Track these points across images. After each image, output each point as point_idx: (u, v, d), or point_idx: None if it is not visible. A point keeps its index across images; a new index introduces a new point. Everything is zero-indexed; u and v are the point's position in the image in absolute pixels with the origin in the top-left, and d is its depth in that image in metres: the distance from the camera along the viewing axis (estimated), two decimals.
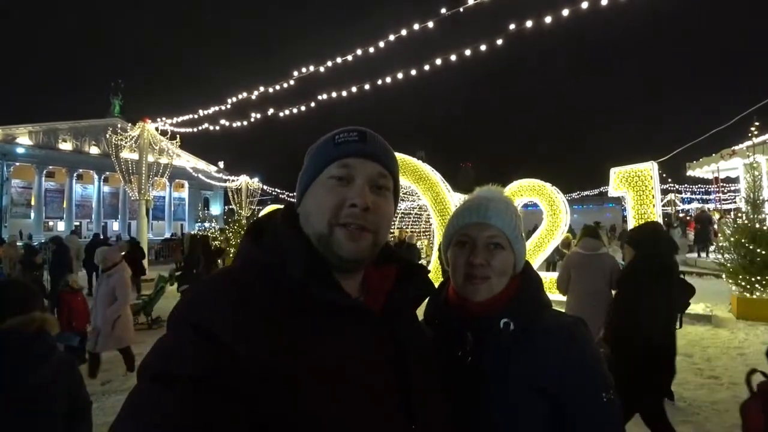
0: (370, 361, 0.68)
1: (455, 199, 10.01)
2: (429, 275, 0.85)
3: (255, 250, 0.72)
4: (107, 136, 15.17)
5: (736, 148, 12.36)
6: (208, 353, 0.57)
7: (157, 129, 13.61)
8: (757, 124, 9.46)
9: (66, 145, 38.60)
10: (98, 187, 40.72)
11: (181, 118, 13.18)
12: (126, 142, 14.01)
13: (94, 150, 40.09)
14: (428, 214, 15.37)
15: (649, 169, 7.37)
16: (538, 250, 8.66)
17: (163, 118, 13.50)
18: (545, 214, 8.88)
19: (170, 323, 0.64)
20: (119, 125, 23.04)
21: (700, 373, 4.85)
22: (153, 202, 16.47)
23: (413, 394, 0.70)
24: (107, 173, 39.67)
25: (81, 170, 39.61)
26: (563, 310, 1.09)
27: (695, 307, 7.67)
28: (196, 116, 12.67)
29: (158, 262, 20.81)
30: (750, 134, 9.61)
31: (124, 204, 41.80)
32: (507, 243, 0.96)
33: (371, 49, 8.97)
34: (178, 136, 13.90)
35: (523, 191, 9.02)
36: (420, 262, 4.01)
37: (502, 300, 0.94)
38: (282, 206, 0.81)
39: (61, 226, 36.95)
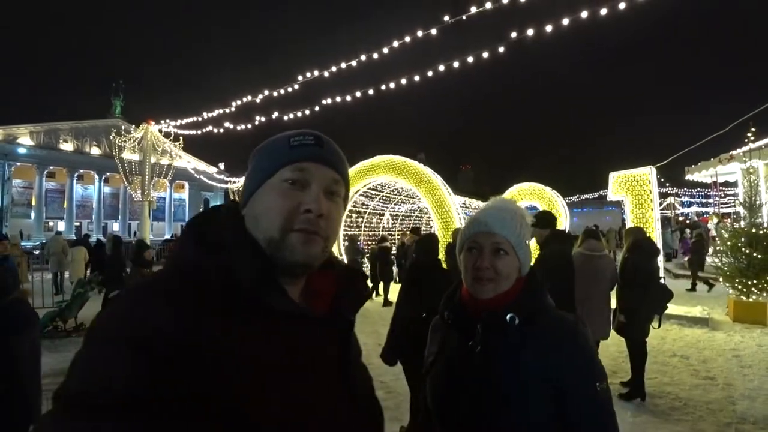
0: (317, 366, 0.68)
1: (456, 202, 10.12)
2: (367, 281, 0.89)
3: (197, 252, 0.66)
4: (110, 137, 15.26)
5: (733, 152, 12.47)
6: (147, 370, 0.51)
7: (160, 131, 13.71)
8: (753, 129, 9.58)
9: (67, 146, 38.70)
10: (99, 187, 40.79)
11: (184, 121, 13.28)
12: (129, 144, 14.10)
13: (95, 150, 40.19)
14: (428, 217, 15.46)
15: (648, 173, 7.50)
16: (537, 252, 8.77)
17: (167, 120, 13.60)
18: None
19: (94, 337, 0.56)
20: (123, 127, 23.20)
21: (696, 374, 4.95)
22: (155, 203, 16.56)
23: (358, 396, 0.73)
24: (108, 174, 39.81)
25: (82, 170, 39.70)
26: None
27: (692, 310, 7.78)
28: (199, 119, 12.78)
29: (159, 263, 20.91)
30: (746, 140, 9.73)
31: (125, 204, 41.88)
32: (511, 249, 1.08)
33: (375, 55, 9.09)
34: (181, 137, 14.00)
35: (523, 195, 9.14)
36: None
37: (509, 298, 1.07)
38: (223, 205, 0.77)
39: (61, 226, 37.01)
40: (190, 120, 13.15)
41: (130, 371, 0.51)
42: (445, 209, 9.89)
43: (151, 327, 0.54)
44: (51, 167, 37.67)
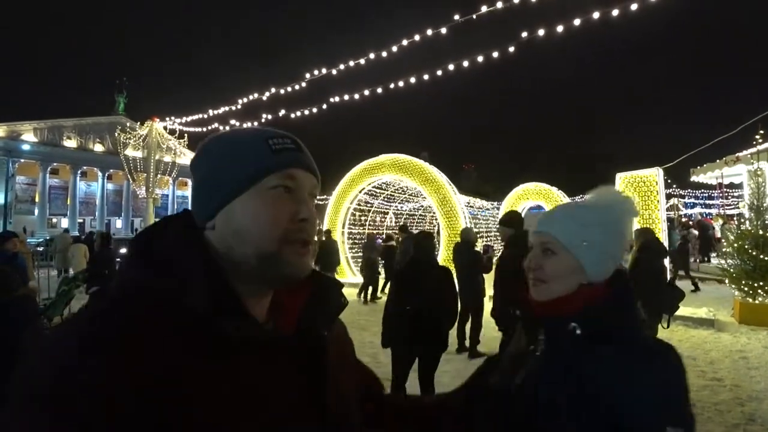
0: (287, 394, 0.61)
1: (461, 201, 10.14)
2: (342, 289, 0.80)
3: (145, 274, 0.59)
4: (115, 134, 15.30)
5: (740, 154, 12.45)
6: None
7: (165, 128, 13.75)
8: (761, 132, 9.56)
9: (70, 143, 38.85)
10: (102, 184, 40.97)
11: (189, 118, 13.31)
12: (133, 141, 14.15)
13: (98, 147, 40.35)
14: (432, 215, 15.47)
15: (655, 174, 7.50)
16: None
17: (172, 117, 13.64)
18: None
19: (22, 396, 0.46)
20: (128, 124, 23.27)
21: (703, 375, 4.94)
22: (159, 200, 16.63)
23: (336, 415, 0.66)
24: (111, 171, 39.97)
25: (85, 167, 39.87)
26: None
27: (698, 311, 7.77)
28: (204, 116, 12.81)
29: None
30: (754, 142, 9.71)
31: (128, 201, 42.03)
32: (561, 248, 0.98)
33: (378, 54, 9.10)
34: (186, 135, 14.04)
35: (529, 195, 9.15)
36: None
37: (576, 304, 0.95)
38: (171, 216, 0.69)
39: (64, 222, 37.19)
40: (194, 117, 13.19)
41: None
42: (450, 208, 9.91)
43: (80, 379, 0.45)
44: (54, 164, 37.86)
